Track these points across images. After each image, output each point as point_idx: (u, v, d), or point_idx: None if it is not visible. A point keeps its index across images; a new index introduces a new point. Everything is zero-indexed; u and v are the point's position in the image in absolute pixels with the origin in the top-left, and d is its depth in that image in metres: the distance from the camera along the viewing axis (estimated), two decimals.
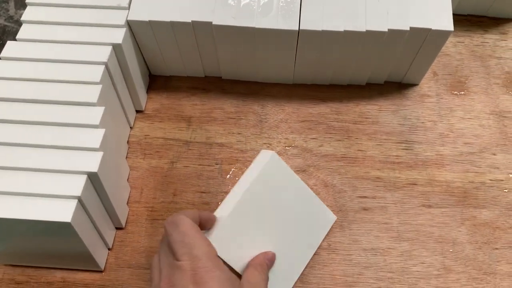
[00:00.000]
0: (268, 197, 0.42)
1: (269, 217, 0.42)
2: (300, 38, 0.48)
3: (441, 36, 0.48)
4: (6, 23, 0.67)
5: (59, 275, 0.46)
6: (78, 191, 0.39)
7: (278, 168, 0.43)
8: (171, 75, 0.58)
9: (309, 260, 0.45)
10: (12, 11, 0.69)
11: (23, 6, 0.69)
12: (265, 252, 0.40)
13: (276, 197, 0.43)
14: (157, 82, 0.57)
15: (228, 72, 0.56)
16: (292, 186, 0.44)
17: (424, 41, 0.49)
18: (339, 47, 0.49)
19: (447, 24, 0.48)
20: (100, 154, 0.40)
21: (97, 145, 0.41)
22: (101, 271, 0.46)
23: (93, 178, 0.40)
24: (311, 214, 0.46)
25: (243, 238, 0.40)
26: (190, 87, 0.57)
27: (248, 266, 0.39)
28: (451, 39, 0.60)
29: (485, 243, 0.48)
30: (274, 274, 0.41)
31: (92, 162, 0.40)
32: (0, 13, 0.68)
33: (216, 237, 0.38)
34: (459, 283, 0.46)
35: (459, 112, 0.55)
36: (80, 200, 0.39)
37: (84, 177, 0.39)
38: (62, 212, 0.38)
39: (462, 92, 0.57)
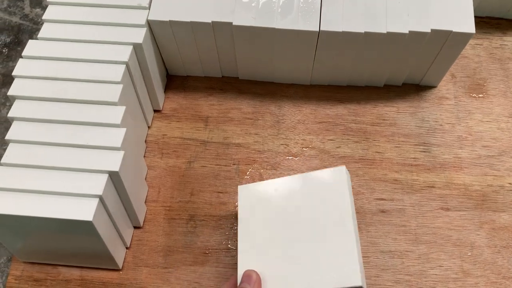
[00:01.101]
0: (265, 226, 0.41)
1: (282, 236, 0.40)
2: (319, 39, 0.48)
3: (462, 38, 0.48)
4: (21, 21, 0.68)
5: (77, 273, 0.46)
6: (99, 190, 0.39)
7: (252, 195, 0.42)
8: (188, 75, 0.58)
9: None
10: (27, 10, 0.69)
11: (38, 4, 0.69)
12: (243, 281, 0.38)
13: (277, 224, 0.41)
14: (174, 82, 0.57)
15: (246, 73, 0.56)
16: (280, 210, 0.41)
17: (445, 43, 0.49)
18: (358, 49, 0.49)
19: (469, 26, 0.47)
20: (121, 153, 0.41)
21: (119, 145, 0.41)
22: (119, 270, 0.46)
23: (114, 177, 0.41)
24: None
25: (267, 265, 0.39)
26: (207, 87, 0.57)
27: None
28: (469, 42, 0.59)
29: (504, 247, 0.47)
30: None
31: (114, 161, 0.40)
32: (15, 11, 0.69)
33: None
34: (477, 287, 0.45)
35: (477, 115, 0.55)
36: (101, 199, 0.39)
37: (106, 176, 0.40)
38: (84, 210, 0.38)
39: (481, 95, 0.56)
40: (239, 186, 0.43)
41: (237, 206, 0.49)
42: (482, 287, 0.45)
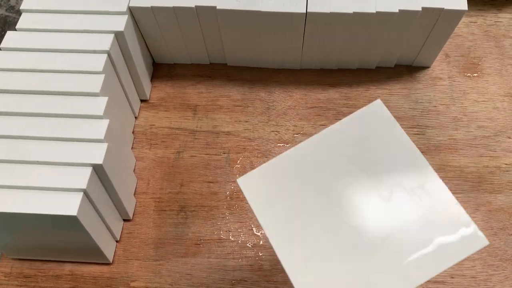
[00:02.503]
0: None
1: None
2: (307, 21, 0.47)
3: (454, 16, 0.47)
4: (7, 14, 0.66)
5: (67, 268, 0.45)
6: (83, 184, 0.38)
7: (379, 118, 0.30)
8: (175, 63, 0.56)
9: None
10: (13, 1, 0.68)
11: None
12: None
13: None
14: (161, 70, 0.56)
15: (234, 59, 0.54)
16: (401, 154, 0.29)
17: (437, 22, 0.47)
18: (348, 30, 0.48)
19: (461, 3, 0.46)
20: (105, 146, 0.39)
21: (102, 136, 0.40)
22: (109, 264, 0.45)
23: (98, 170, 0.39)
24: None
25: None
26: (195, 75, 0.55)
27: None
28: (463, 19, 0.58)
29: (501, 229, 0.46)
30: None
31: (97, 154, 0.39)
32: (1, 3, 0.67)
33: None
34: (474, 270, 0.45)
35: (472, 95, 0.53)
36: (85, 193, 0.38)
37: (89, 169, 0.39)
38: (68, 205, 0.37)
39: (475, 74, 0.55)
40: (238, 180, 0.30)
41: (230, 197, 0.48)
42: (478, 270, 0.45)
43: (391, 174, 0.29)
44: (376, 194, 0.28)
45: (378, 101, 0.31)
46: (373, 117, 0.30)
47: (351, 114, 0.31)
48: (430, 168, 0.29)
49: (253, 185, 0.29)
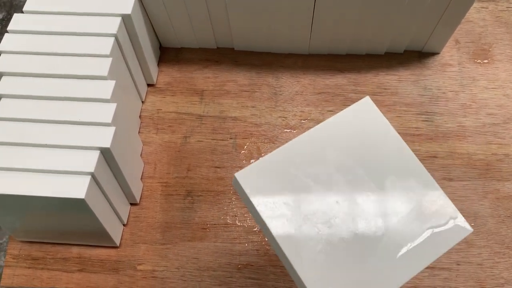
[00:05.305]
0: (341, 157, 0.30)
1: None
2: (316, 4, 0.46)
3: (466, 0, 0.46)
4: None
5: (75, 251, 0.46)
6: (91, 167, 0.38)
7: (369, 117, 0.31)
8: (182, 47, 0.56)
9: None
10: None
11: None
12: None
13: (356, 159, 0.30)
14: (168, 54, 0.56)
15: (241, 43, 0.54)
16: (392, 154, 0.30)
17: (448, 6, 0.47)
18: (357, 13, 0.47)
19: None
20: (112, 129, 0.39)
21: (109, 120, 0.40)
22: (116, 247, 0.46)
23: (106, 154, 0.39)
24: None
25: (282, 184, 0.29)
26: (202, 59, 0.55)
27: None
28: (474, 5, 0.57)
29: (509, 216, 0.46)
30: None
31: (105, 138, 0.39)
32: None
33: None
34: (480, 257, 0.45)
35: (482, 82, 0.53)
36: (93, 176, 0.38)
37: (97, 152, 0.39)
38: (76, 188, 0.37)
39: (486, 61, 0.54)
40: (235, 174, 0.30)
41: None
42: (485, 257, 0.45)
43: (383, 170, 0.31)
44: (370, 188, 0.30)
45: (367, 98, 0.33)
46: (363, 114, 0.32)
47: (339, 114, 0.32)
48: (420, 164, 0.31)
49: (252, 181, 0.30)
